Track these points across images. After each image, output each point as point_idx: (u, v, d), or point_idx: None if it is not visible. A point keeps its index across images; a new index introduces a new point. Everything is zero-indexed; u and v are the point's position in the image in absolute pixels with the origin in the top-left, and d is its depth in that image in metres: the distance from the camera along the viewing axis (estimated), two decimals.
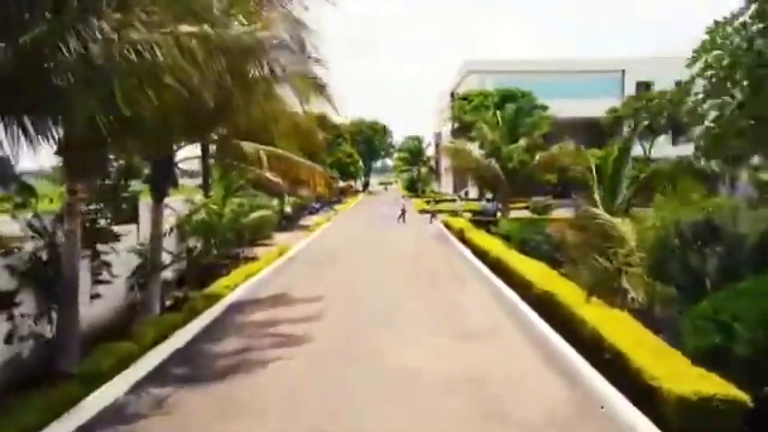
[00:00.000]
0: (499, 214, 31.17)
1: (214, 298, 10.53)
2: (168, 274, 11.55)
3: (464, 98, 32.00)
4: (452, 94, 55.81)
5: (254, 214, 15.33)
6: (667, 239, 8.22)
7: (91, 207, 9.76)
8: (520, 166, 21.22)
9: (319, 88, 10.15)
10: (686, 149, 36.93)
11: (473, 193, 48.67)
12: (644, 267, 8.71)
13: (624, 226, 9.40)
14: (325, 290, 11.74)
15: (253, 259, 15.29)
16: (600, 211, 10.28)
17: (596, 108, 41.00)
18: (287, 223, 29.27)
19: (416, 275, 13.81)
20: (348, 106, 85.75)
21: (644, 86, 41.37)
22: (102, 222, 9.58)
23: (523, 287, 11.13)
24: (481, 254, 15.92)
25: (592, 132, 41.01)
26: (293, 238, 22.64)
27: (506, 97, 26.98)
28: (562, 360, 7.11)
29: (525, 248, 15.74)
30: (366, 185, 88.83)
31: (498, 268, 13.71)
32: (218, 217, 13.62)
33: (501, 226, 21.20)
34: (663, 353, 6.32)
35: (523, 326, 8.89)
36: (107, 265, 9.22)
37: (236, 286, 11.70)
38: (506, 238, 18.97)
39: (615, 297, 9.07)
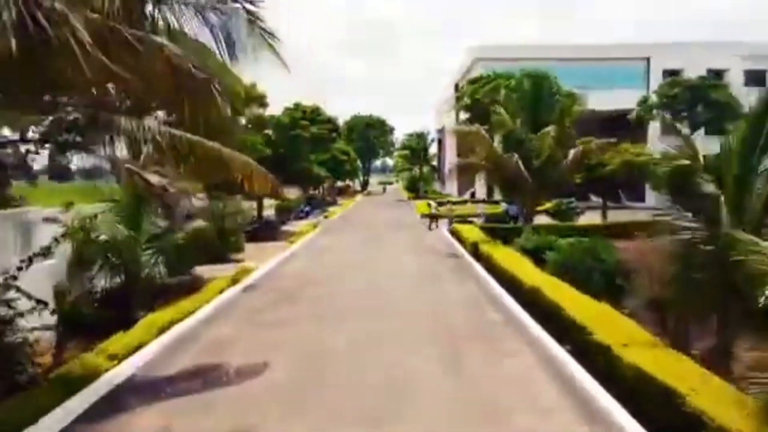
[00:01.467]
0: (519, 221, 27.01)
1: (79, 382, 6.24)
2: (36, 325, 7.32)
3: (475, 81, 27.57)
4: (456, 86, 51.48)
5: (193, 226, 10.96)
6: None
7: None
8: (549, 161, 16.92)
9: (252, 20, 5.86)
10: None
11: (480, 193, 44.38)
12: None
13: None
14: (283, 356, 7.47)
15: (191, 291, 10.96)
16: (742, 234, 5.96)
17: (619, 99, 36.73)
18: (268, 230, 25.11)
19: (422, 325, 9.50)
20: (349, 105, 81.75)
21: (672, 75, 37.04)
22: None
23: (596, 355, 6.88)
24: (507, 281, 11.64)
25: (614, 125, 36.75)
26: (270, 251, 18.39)
27: (517, 85, 22.56)
28: None
29: (564, 271, 11.49)
30: (365, 185, 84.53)
31: (537, 307, 9.50)
32: (131, 235, 9.28)
33: (525, 237, 16.87)
34: None
35: None
36: None
37: (137, 349, 7.40)
38: (534, 254, 14.70)
39: None
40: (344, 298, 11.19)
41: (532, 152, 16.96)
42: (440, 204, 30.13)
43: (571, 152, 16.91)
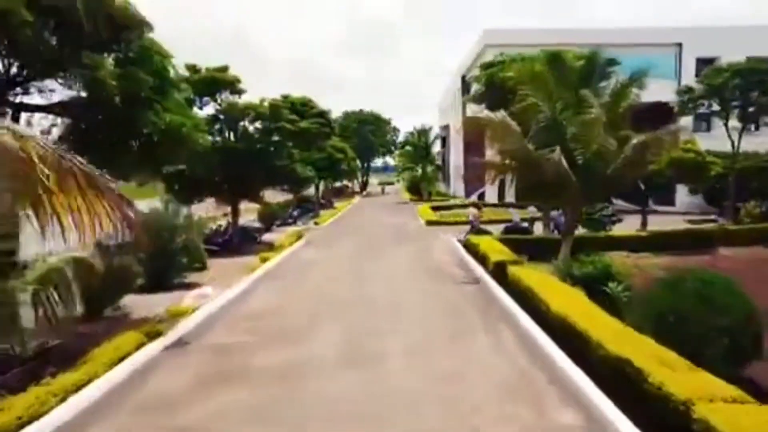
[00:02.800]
0: (532, 229, 22.79)
1: None
2: None
3: (489, 66, 23.38)
4: (463, 78, 47.37)
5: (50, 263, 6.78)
6: None
7: None
8: (597, 156, 12.87)
9: None
10: None
11: (491, 195, 40.28)
12: None
13: None
14: None
15: (81, 354, 6.86)
16: None
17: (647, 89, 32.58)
18: (245, 240, 21.15)
19: None
20: (349, 106, 77.76)
21: (707, 63, 32.88)
22: None
23: None
24: (558, 328, 7.55)
25: (640, 119, 32.65)
26: (240, 269, 14.42)
27: (554, 60, 18.28)
28: None
29: (658, 324, 7.43)
30: (364, 185, 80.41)
31: (641, 398, 5.50)
32: None
33: (566, 259, 12.83)
34: None
35: None
36: None
37: None
38: (587, 283, 10.71)
39: None
40: (317, 373, 7.06)
41: (576, 144, 12.88)
42: (476, 207, 24.60)
43: (632, 142, 12.79)
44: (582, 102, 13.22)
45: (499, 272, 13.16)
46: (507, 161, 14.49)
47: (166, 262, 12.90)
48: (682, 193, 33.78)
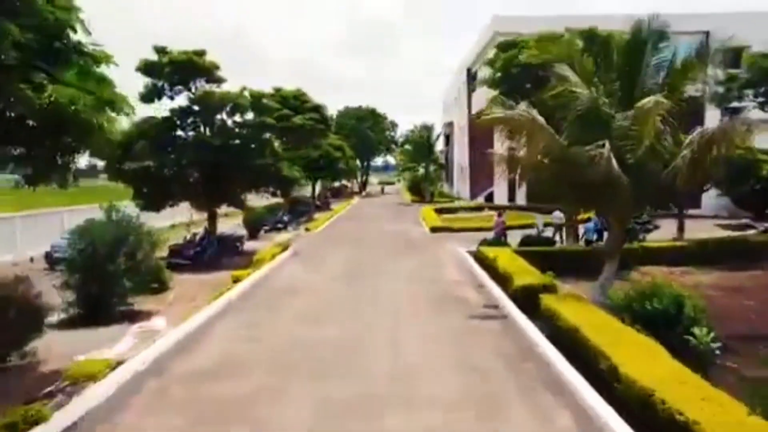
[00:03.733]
0: (559, 238, 19.87)
1: None
2: None
3: (506, 48, 20.36)
4: (469, 71, 44.55)
5: None
6: None
7: None
8: (651, 154, 10.17)
9: None
10: None
11: (499, 197, 37.54)
12: None
13: None
14: None
15: None
16: None
17: None
18: (224, 251, 18.52)
19: None
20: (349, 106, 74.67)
21: (737, 52, 30.02)
22: None
23: None
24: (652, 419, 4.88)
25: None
26: (208, 289, 11.78)
27: (590, 39, 15.50)
28: None
29: None
30: (364, 185, 77.56)
31: None
32: None
33: (608, 286, 10.10)
34: None
35: None
36: None
37: None
38: (647, 323, 8.02)
39: None
40: None
41: (625, 140, 10.10)
42: (499, 213, 21.33)
43: (695, 137, 10.08)
44: (633, 86, 10.48)
45: (525, 299, 10.46)
46: (539, 157, 11.64)
47: (105, 286, 10.16)
48: (707, 194, 30.91)
